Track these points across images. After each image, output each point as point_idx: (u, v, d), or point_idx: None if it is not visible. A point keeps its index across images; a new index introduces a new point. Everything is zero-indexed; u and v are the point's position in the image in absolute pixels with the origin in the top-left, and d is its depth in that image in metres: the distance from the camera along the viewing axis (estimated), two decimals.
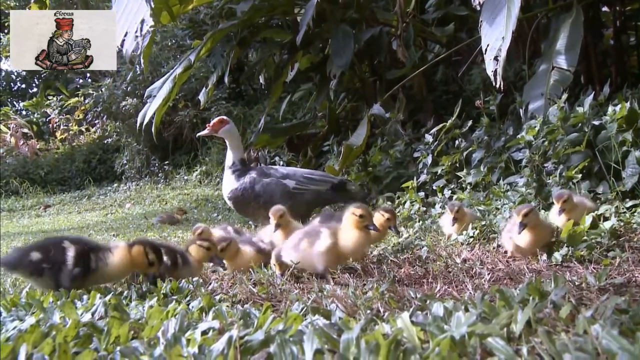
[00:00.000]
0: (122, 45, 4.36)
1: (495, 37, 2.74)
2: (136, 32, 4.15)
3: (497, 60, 2.68)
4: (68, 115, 13.68)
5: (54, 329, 1.15)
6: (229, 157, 3.65)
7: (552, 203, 2.53)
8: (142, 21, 4.04)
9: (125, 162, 11.20)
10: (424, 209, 3.22)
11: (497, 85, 2.68)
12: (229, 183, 3.62)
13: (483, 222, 2.37)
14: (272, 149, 7.62)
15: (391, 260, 2.04)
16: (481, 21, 2.90)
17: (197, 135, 3.99)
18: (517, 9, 2.67)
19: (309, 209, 3.69)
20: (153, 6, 3.89)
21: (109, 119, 10.97)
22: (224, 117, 3.67)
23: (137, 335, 1.18)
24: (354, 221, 1.88)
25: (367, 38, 4.85)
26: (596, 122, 2.62)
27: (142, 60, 4.47)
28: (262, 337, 1.04)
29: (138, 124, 4.90)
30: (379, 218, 2.07)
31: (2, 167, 12.06)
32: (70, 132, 13.49)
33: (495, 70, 2.69)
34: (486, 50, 2.77)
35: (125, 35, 4.27)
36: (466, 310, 1.14)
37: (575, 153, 2.65)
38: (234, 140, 3.66)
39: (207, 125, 3.68)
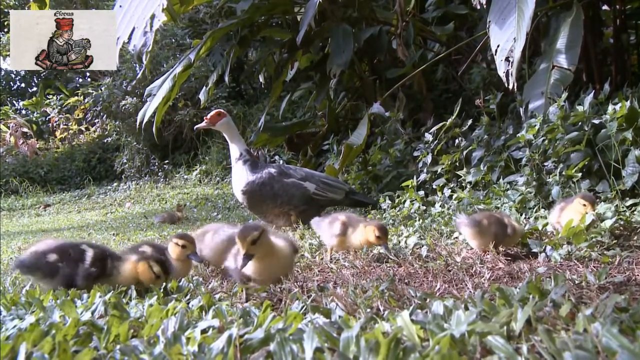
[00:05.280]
0: (129, 41, 4.29)
1: (506, 38, 2.71)
2: (145, 27, 4.08)
3: (509, 61, 2.67)
4: (68, 115, 13.70)
5: (53, 328, 1.14)
6: (234, 150, 3.59)
7: (552, 202, 2.54)
8: (153, 16, 3.97)
9: (125, 161, 11.21)
10: (424, 208, 3.22)
11: (510, 87, 2.67)
12: (242, 175, 3.52)
13: None
14: (272, 148, 7.64)
15: (391, 259, 2.04)
16: (489, 21, 2.88)
17: (194, 128, 3.95)
18: (531, 10, 2.64)
19: (320, 212, 3.71)
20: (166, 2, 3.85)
21: (109, 118, 10.98)
22: (221, 110, 3.64)
23: (137, 333, 1.17)
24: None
25: (367, 37, 4.86)
26: (596, 121, 2.62)
27: (142, 59, 4.44)
28: (262, 335, 1.04)
29: (138, 123, 4.90)
30: None
31: (2, 167, 12.06)
32: (70, 131, 13.51)
33: (508, 71, 2.68)
34: (496, 51, 2.76)
35: (133, 32, 4.20)
36: (466, 308, 1.14)
37: (575, 152, 2.65)
38: (232, 133, 3.61)
39: (204, 118, 3.66)
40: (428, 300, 1.28)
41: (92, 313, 1.37)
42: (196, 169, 9.57)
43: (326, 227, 2.26)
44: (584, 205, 2.02)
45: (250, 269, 1.64)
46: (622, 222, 2.13)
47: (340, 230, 2.17)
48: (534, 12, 2.69)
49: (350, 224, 2.19)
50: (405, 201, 3.45)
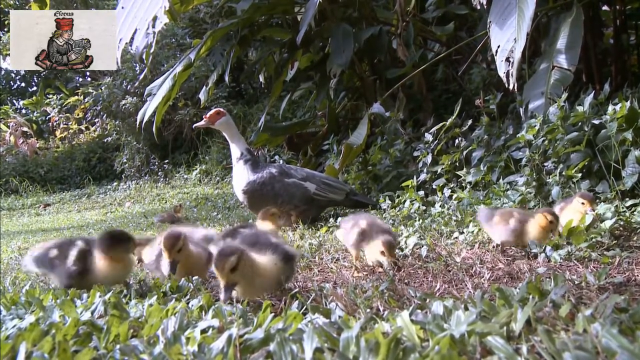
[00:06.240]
0: (131, 43, 4.28)
1: (507, 39, 2.71)
2: (148, 29, 4.08)
3: (509, 61, 2.67)
4: (68, 114, 13.70)
5: (53, 328, 1.14)
6: (235, 150, 3.59)
7: (552, 202, 2.54)
8: (155, 18, 3.97)
9: (125, 160, 11.20)
10: (424, 208, 3.22)
11: (511, 87, 2.67)
12: (243, 175, 3.52)
13: None
14: (272, 148, 7.64)
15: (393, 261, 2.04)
16: (489, 22, 2.88)
17: (193, 126, 3.95)
18: (531, 10, 2.64)
19: (320, 212, 3.71)
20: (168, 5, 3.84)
21: (109, 117, 10.98)
22: (221, 109, 3.64)
23: (137, 333, 1.17)
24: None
25: (367, 37, 4.85)
26: (596, 121, 2.62)
27: (144, 60, 4.44)
28: (262, 335, 1.04)
29: (138, 123, 4.90)
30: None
31: (2, 166, 12.06)
32: (70, 130, 13.50)
33: (508, 72, 2.68)
34: (497, 51, 2.76)
35: (135, 33, 4.20)
36: (466, 309, 1.14)
37: (575, 152, 2.65)
38: (232, 132, 3.61)
39: (204, 116, 3.66)
40: (428, 300, 1.28)
41: (92, 313, 1.37)
42: (196, 169, 9.56)
43: (347, 238, 2.12)
44: (583, 204, 2.03)
45: (235, 291, 1.45)
46: (622, 223, 2.14)
47: (356, 255, 2.08)
48: (534, 13, 2.69)
49: (368, 238, 1.99)
50: (405, 201, 3.45)
